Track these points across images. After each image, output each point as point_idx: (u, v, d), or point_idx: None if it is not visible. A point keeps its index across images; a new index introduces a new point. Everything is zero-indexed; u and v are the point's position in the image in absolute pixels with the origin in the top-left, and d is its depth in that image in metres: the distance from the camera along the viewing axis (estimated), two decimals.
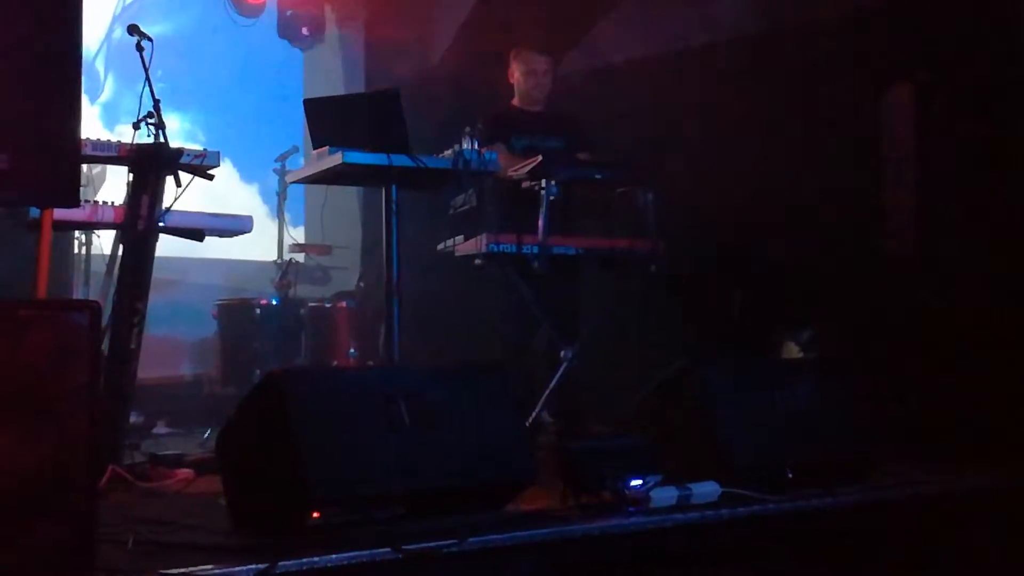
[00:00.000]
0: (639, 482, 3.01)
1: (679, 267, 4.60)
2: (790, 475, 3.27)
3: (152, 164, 3.73)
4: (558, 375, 4.32)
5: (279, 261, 6.46)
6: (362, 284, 6.27)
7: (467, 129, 4.16)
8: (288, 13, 7.32)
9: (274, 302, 5.90)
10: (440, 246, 4.56)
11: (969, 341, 4.30)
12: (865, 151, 4.93)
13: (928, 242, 4.70)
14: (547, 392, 4.28)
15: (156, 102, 3.75)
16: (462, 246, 4.35)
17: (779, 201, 5.07)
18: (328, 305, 6.02)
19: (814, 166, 4.99)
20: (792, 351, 4.75)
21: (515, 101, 5.06)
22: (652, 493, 3.00)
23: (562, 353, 4.37)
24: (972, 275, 4.40)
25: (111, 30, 7.01)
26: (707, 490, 3.10)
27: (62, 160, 2.72)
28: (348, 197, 6.95)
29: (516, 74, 5.03)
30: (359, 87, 7.04)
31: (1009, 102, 4.45)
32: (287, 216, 6.80)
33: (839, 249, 4.87)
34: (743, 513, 3.08)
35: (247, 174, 7.45)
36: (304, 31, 7.33)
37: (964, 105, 4.58)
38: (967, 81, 4.57)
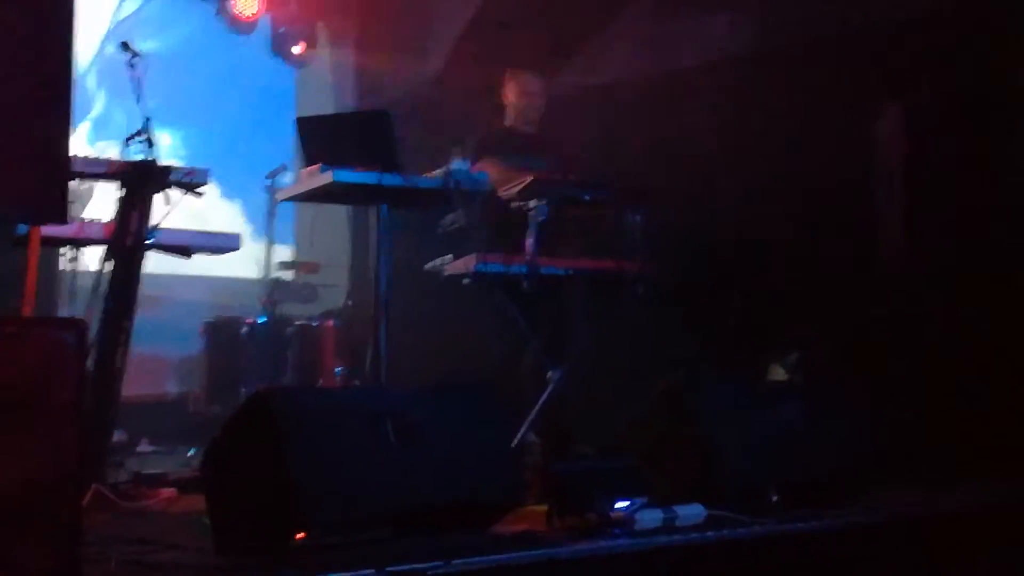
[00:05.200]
0: (625, 504, 3.00)
1: (669, 287, 4.60)
2: (775, 497, 3.26)
3: (143, 181, 3.73)
4: (545, 395, 4.31)
5: (266, 279, 6.45)
6: (350, 302, 6.26)
7: (456, 148, 4.16)
8: (280, 30, 7.33)
9: (261, 320, 5.88)
10: (429, 265, 4.55)
11: (965, 357, 4.29)
12: (858, 171, 4.96)
13: (919, 255, 4.71)
14: (534, 412, 4.27)
15: (147, 119, 3.76)
16: (451, 265, 4.35)
17: (771, 220, 5.08)
18: (315, 324, 6.00)
19: (807, 185, 5.01)
20: (778, 374, 4.76)
21: (507, 121, 5.07)
22: (637, 515, 2.99)
23: (549, 373, 4.36)
24: (965, 288, 4.40)
25: (103, 46, 7.01)
26: (693, 512, 3.09)
27: (51, 176, 2.71)
28: (337, 215, 6.94)
29: (509, 95, 5.04)
30: (351, 105, 7.05)
31: (998, 118, 4.49)
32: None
33: (831, 267, 4.88)
34: (729, 536, 3.06)
35: (230, 191, 7.43)
36: (296, 49, 7.33)
37: (955, 124, 4.61)
38: (959, 100, 4.60)
